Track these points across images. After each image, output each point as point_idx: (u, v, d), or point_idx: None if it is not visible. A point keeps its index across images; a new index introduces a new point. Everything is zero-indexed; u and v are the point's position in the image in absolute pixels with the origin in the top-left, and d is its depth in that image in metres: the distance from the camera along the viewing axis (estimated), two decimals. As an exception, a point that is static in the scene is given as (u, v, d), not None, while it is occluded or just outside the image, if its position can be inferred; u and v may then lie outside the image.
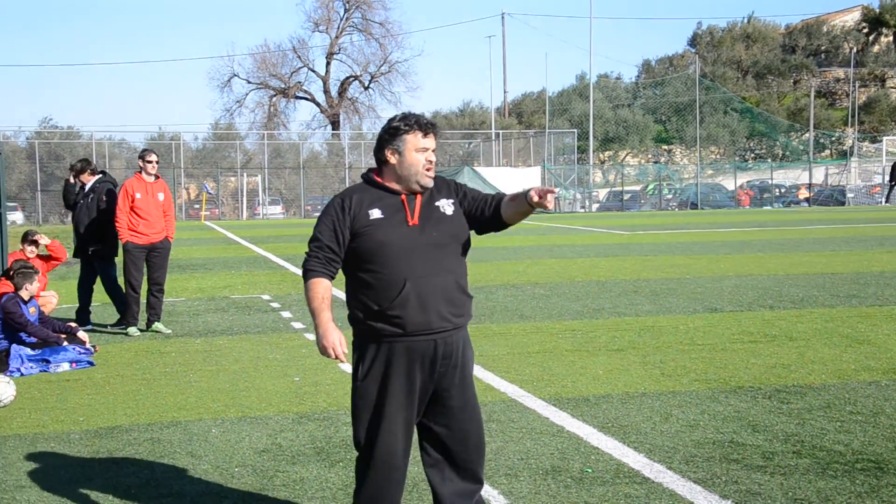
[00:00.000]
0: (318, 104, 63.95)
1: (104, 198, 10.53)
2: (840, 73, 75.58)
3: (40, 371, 8.13)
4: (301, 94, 64.11)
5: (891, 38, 78.09)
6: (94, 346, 8.90)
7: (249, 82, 62.90)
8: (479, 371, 7.71)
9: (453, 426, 3.92)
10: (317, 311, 3.81)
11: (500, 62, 64.89)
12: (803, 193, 52.76)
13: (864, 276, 14.33)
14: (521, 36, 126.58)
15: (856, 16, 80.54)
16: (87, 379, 7.83)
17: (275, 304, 12.16)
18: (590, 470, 5.11)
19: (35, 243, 10.19)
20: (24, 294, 8.62)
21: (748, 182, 55.36)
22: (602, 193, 54.43)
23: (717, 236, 24.82)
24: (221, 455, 5.55)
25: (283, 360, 8.36)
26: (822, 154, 68.63)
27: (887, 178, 47.85)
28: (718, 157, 68.10)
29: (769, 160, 63.87)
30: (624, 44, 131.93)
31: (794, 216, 37.69)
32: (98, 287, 10.99)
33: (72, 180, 10.73)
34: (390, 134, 3.90)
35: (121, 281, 10.70)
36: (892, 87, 75.12)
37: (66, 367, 8.20)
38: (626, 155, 69.41)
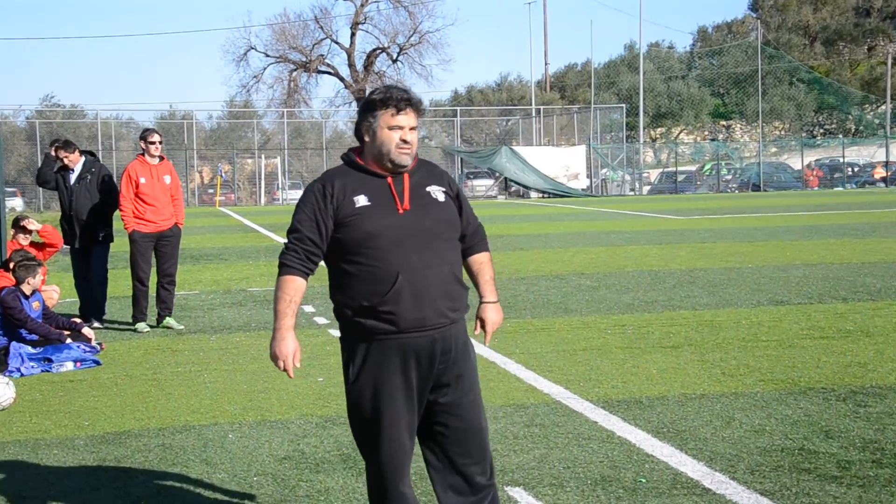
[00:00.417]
0: (342, 79, 64.07)
1: (104, 177, 10.49)
2: (920, 38, 74.38)
3: (42, 371, 8.20)
4: (323, 69, 64.25)
5: (977, -1, 76.72)
6: (100, 344, 8.98)
7: (267, 56, 63.14)
8: (520, 370, 7.68)
9: (452, 425, 3.91)
10: (280, 314, 3.80)
11: (540, 31, 64.74)
12: (879, 173, 52.03)
13: (948, 264, 14.10)
14: (563, 2, 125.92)
15: (938, -26, 79.13)
16: (93, 380, 7.89)
17: (295, 298, 12.19)
18: (643, 480, 5.06)
19: (25, 230, 10.14)
20: (27, 288, 8.70)
21: (817, 161, 54.74)
22: (653, 174, 54.09)
23: (783, 221, 24.57)
24: (239, 463, 5.56)
25: (306, 359, 8.37)
26: (900, 129, 67.67)
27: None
28: (783, 133, 67.34)
29: (840, 136, 63.08)
30: (677, 9, 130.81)
31: (869, 198, 37.23)
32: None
33: (52, 153, 10.53)
34: (365, 109, 3.91)
35: (113, 275, 10.76)
36: (978, 54, 73.84)
37: (69, 366, 8.27)
38: (680, 132, 68.83)
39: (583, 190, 48.14)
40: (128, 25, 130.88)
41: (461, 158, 49.44)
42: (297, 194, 49.97)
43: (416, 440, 3.94)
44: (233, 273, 15.29)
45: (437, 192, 3.96)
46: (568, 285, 12.86)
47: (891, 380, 7.09)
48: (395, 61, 63.63)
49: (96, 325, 10.06)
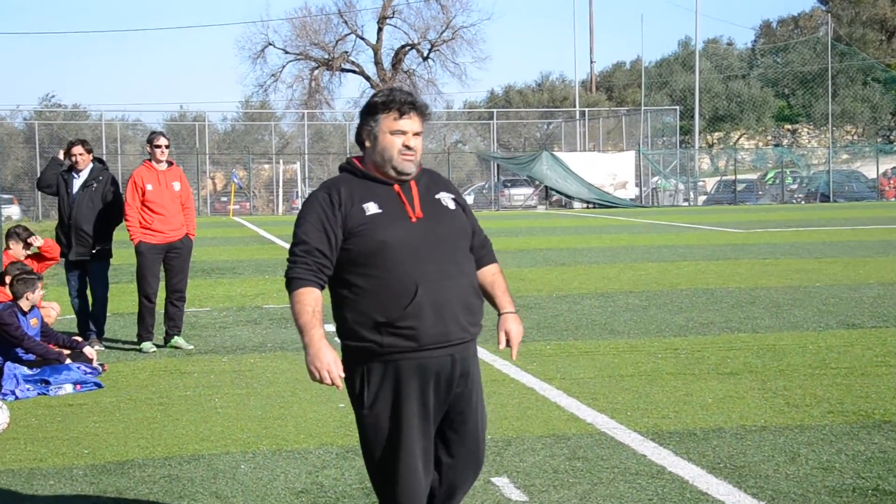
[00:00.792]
0: (367, 78, 64.34)
1: (111, 188, 10.54)
2: None
3: (39, 394, 8.28)
4: (348, 67, 64.58)
5: None
6: (101, 365, 9.05)
7: (287, 52, 63.57)
8: (560, 398, 7.66)
9: (460, 455, 4.02)
10: (306, 326, 3.82)
11: (585, 26, 64.73)
12: (962, 182, 51.42)
13: None
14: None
15: None
16: (94, 404, 7.95)
17: (315, 316, 12.23)
18: (698, 521, 5.02)
19: (26, 244, 10.14)
20: (25, 304, 8.78)
21: (894, 169, 54.22)
22: (710, 183, 53.80)
23: (855, 235, 24.36)
24: (252, 496, 5.58)
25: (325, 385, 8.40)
26: None
27: None
28: (856, 138, 66.77)
29: (919, 142, 62.46)
30: (738, 2, 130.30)
31: (951, 211, 36.79)
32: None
33: (61, 156, 10.59)
34: (366, 113, 3.99)
35: (117, 290, 10.79)
36: None
37: (68, 389, 8.34)
38: (740, 137, 68.46)
39: (631, 200, 47.98)
40: (135, 19, 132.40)
41: (498, 165, 49.48)
42: (318, 203, 50.10)
43: None
44: (247, 288, 15.38)
45: (448, 200, 4.04)
46: (614, 304, 12.82)
47: (975, 412, 6.99)
48: (425, 59, 63.83)
49: (98, 346, 10.08)
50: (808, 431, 6.60)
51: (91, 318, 10.47)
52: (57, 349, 8.81)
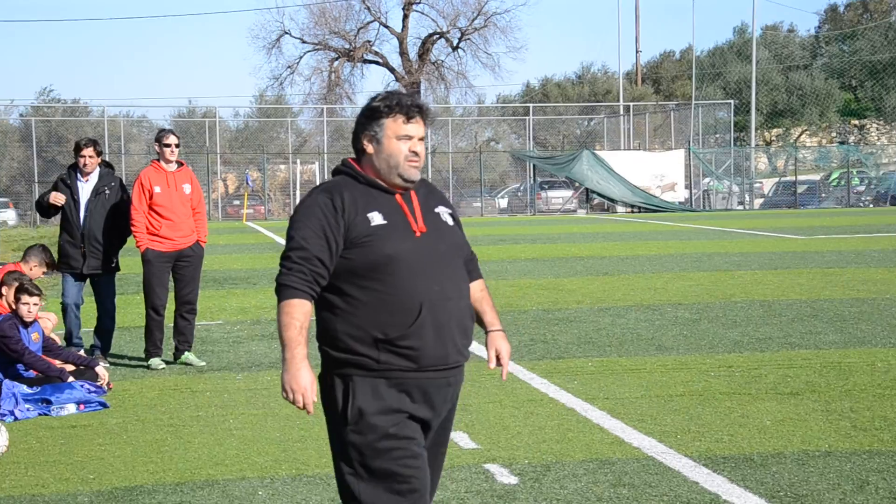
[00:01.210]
0: (392, 70, 64.56)
1: (122, 194, 10.60)
2: None
3: (39, 414, 8.38)
4: (370, 57, 64.83)
5: None
6: (107, 384, 9.13)
7: (304, 42, 63.90)
8: (604, 419, 7.69)
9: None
10: (290, 342, 3.90)
11: (631, 13, 64.63)
12: None
13: None
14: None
15: None
16: (99, 425, 8.05)
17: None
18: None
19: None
20: (26, 314, 8.87)
21: (970, 168, 53.78)
22: (768, 185, 53.57)
23: (928, 242, 24.18)
24: (269, 525, 5.63)
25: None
26: None
27: None
28: (929, 134, 66.23)
29: None
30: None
31: None
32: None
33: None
34: (367, 117, 4.08)
35: (122, 301, 10.85)
36: None
37: (71, 409, 8.44)
38: (802, 133, 68.11)
39: (680, 203, 47.86)
40: (140, 6, 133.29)
41: (534, 165, 49.49)
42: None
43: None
44: (263, 300, 15.47)
45: (446, 215, 4.16)
46: (662, 318, 12.82)
47: None
48: (455, 48, 63.98)
49: (103, 363, 10.11)
50: (878, 457, 6.59)
51: (98, 334, 10.53)
52: (59, 366, 8.91)
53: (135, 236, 10.34)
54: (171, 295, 10.56)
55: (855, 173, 51.73)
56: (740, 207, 48.90)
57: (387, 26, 64.31)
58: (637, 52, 65.87)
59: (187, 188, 10.43)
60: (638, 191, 46.97)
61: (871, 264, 18.95)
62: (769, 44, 69.27)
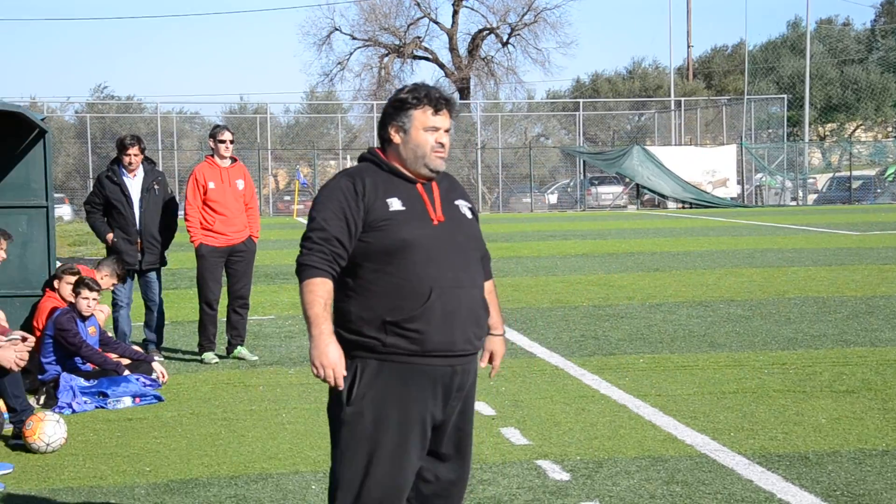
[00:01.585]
0: (441, 66, 64.60)
1: (169, 189, 10.71)
2: None
3: (96, 407, 8.50)
4: (420, 53, 64.89)
5: None
6: (162, 378, 9.22)
7: (354, 38, 64.08)
8: (656, 416, 7.67)
9: (443, 477, 4.16)
10: (316, 319, 3.99)
11: (682, 7, 64.20)
12: None
13: None
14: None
15: None
16: (154, 418, 8.15)
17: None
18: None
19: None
20: (85, 309, 8.98)
21: None
22: (821, 180, 53.02)
23: None
24: (322, 518, 5.67)
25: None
26: None
27: None
28: None
29: None
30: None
31: None
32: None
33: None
34: (395, 108, 4.17)
35: (176, 296, 10.96)
36: None
37: (127, 402, 8.55)
38: (857, 128, 67.33)
39: (732, 199, 47.52)
40: (192, 4, 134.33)
41: (584, 161, 49.34)
42: (388, 203, 50.33)
43: None
44: (313, 295, 15.54)
45: (465, 208, 4.26)
46: (714, 314, 12.75)
47: None
48: (505, 44, 63.87)
49: (159, 357, 10.20)
50: (934, 456, 6.54)
51: (150, 328, 10.63)
52: (116, 359, 9.02)
53: (189, 231, 10.43)
54: (224, 290, 10.65)
55: (911, 168, 51.09)
56: (793, 203, 48.47)
57: (437, 22, 64.33)
58: (689, 46, 65.36)
59: (240, 184, 10.51)
60: (689, 186, 46.69)
61: (928, 261, 18.72)
62: (823, 38, 68.53)
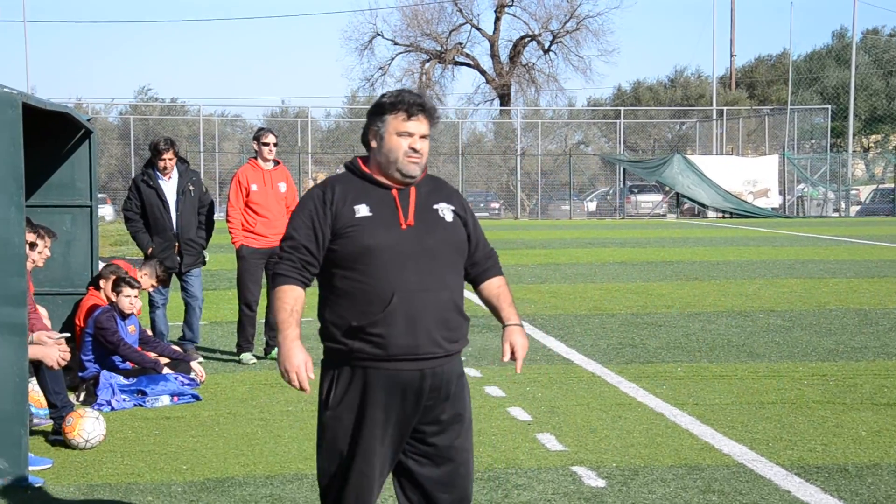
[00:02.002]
0: (483, 72, 64.66)
1: (204, 190, 10.75)
2: None
3: (135, 405, 8.57)
4: (462, 59, 64.99)
5: None
6: (201, 377, 9.27)
7: (396, 43, 64.29)
8: (693, 425, 7.63)
9: (437, 469, 4.22)
10: (283, 324, 4.15)
11: (726, 16, 63.88)
12: None
13: None
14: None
15: None
16: (192, 417, 8.20)
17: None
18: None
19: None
20: (127, 307, 9.05)
21: None
22: (865, 192, 52.59)
23: None
24: (357, 520, 5.67)
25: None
26: None
27: None
28: None
29: None
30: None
31: None
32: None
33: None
34: (373, 113, 4.26)
35: (215, 296, 11.00)
36: None
37: (165, 400, 8.61)
38: (900, 139, 66.68)
39: (773, 209, 47.21)
40: (235, 7, 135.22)
41: (624, 169, 49.19)
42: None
43: (394, 482, 4.30)
44: (351, 299, 15.60)
45: (446, 211, 4.27)
46: (753, 324, 12.67)
47: None
48: (546, 51, 63.89)
49: (198, 358, 10.20)
50: (975, 471, 6.47)
51: (190, 327, 10.67)
52: (154, 357, 9.09)
53: (230, 232, 10.49)
54: (263, 291, 10.69)
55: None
56: (835, 215, 48.09)
57: (479, 28, 64.42)
58: (732, 56, 65.03)
59: (283, 187, 10.57)
60: (729, 196, 46.44)
61: (971, 275, 18.52)
62: (869, 48, 67.97)
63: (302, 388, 4.13)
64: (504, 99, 63.24)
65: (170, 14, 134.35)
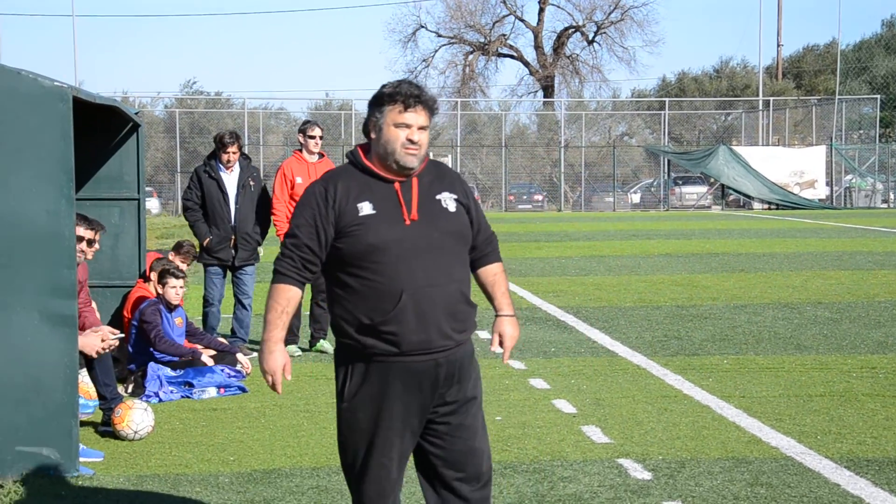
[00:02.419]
0: (526, 63, 64.52)
1: (262, 185, 10.75)
2: None
3: (182, 396, 8.64)
4: (505, 51, 64.89)
5: None
6: (247, 369, 9.34)
7: (439, 35, 64.28)
8: (740, 417, 7.59)
9: (449, 448, 4.26)
10: (270, 324, 4.20)
11: (773, 5, 63.37)
12: None
13: None
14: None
15: None
16: (238, 409, 8.27)
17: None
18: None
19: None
20: (173, 297, 9.13)
21: None
22: (913, 182, 51.97)
23: None
24: (404, 511, 5.69)
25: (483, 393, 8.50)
26: None
27: None
28: None
29: None
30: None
31: None
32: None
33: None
34: (372, 104, 4.25)
35: (259, 289, 11.03)
36: None
37: (212, 392, 8.68)
38: (950, 129, 65.84)
39: (820, 201, 46.79)
40: (279, 1, 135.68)
41: (668, 160, 48.93)
42: (471, 200, 50.38)
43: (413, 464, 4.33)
44: (396, 291, 15.63)
45: (449, 201, 4.27)
46: (801, 316, 12.58)
47: None
48: (591, 42, 63.65)
49: (249, 354, 10.16)
50: None
51: (240, 322, 10.58)
52: (190, 347, 9.15)
53: (275, 225, 10.53)
54: (308, 284, 10.69)
55: None
56: (884, 206, 47.61)
57: (522, 20, 64.31)
58: (779, 45, 64.45)
59: (327, 180, 10.53)
60: (776, 187, 46.07)
61: None
62: (917, 37, 67.10)
63: (275, 390, 4.23)
64: (547, 90, 63.07)
65: (215, 7, 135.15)
